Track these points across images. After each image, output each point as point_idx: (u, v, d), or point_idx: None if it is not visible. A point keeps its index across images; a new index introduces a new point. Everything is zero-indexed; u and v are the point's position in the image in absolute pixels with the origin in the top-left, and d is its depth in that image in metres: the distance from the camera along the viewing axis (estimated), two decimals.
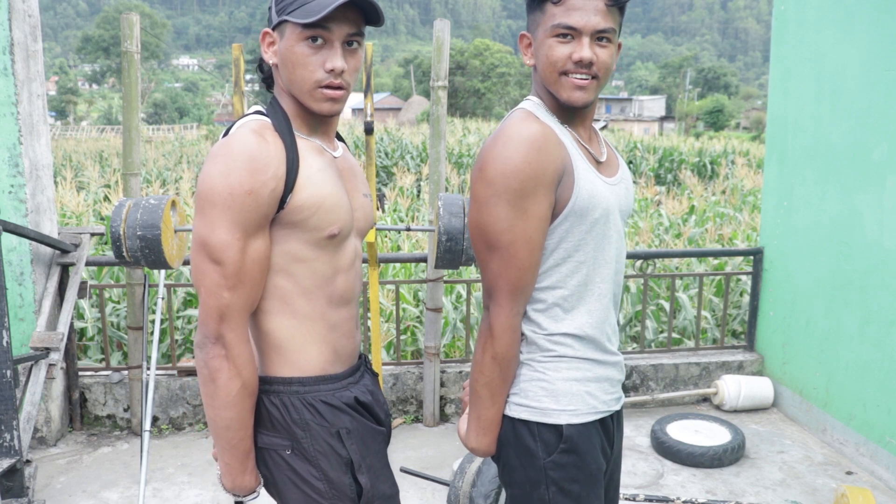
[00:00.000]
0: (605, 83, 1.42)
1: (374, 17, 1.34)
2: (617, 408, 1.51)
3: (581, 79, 1.37)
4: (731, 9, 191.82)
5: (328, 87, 1.32)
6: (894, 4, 3.10)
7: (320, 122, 1.41)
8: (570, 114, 1.44)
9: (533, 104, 1.44)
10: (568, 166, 1.36)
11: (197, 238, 1.28)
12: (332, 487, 1.39)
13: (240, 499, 1.42)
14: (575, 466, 1.39)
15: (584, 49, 1.35)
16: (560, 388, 1.40)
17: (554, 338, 1.41)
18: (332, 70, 1.31)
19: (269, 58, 1.37)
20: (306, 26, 1.28)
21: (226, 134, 1.36)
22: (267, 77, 1.44)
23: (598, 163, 1.46)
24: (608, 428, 1.49)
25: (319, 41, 1.30)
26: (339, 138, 1.55)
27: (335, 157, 1.45)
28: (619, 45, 1.45)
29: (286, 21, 1.31)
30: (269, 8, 1.37)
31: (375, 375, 1.59)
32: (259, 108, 1.40)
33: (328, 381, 1.40)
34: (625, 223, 1.52)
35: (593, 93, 1.39)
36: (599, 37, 1.36)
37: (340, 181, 1.42)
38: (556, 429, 1.39)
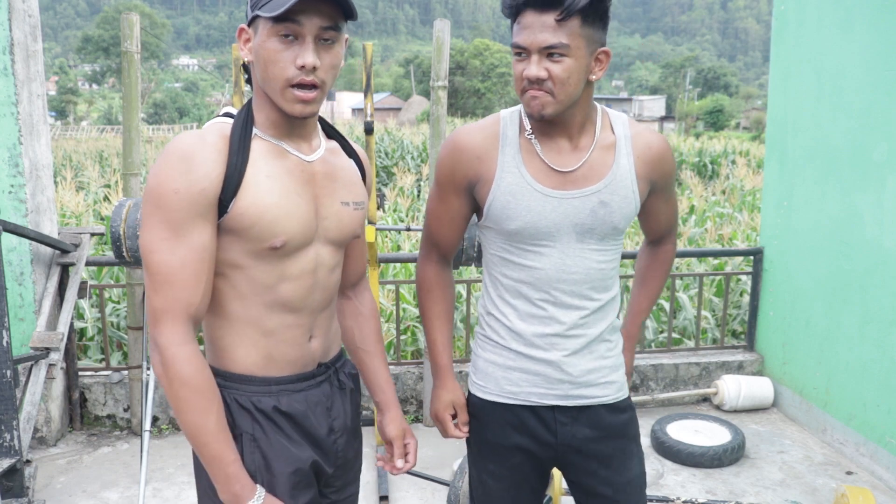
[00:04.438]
0: (573, 94, 1.40)
1: (348, 10, 1.26)
2: (555, 403, 1.55)
3: (534, 95, 1.40)
4: (731, 9, 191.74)
5: (300, 85, 1.25)
6: (894, 4, 3.10)
7: (294, 124, 1.32)
8: (542, 124, 1.47)
9: (512, 111, 1.55)
10: (485, 176, 1.50)
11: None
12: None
13: None
14: (474, 430, 1.65)
15: (531, 67, 1.38)
16: (479, 366, 1.62)
17: (489, 318, 1.59)
18: (303, 66, 1.23)
19: (245, 55, 1.31)
20: (275, 20, 1.22)
21: None
22: (251, 75, 1.38)
23: (561, 174, 1.47)
24: (543, 418, 1.56)
25: (291, 37, 1.24)
26: (338, 137, 1.47)
27: (308, 162, 1.35)
28: (607, 53, 1.42)
29: (259, 17, 1.25)
30: (247, 3, 1.31)
31: (350, 390, 1.50)
32: (229, 110, 1.35)
33: (251, 383, 1.34)
34: (599, 236, 1.50)
35: (552, 107, 1.40)
36: (550, 53, 1.36)
37: (304, 188, 1.33)
38: (471, 394, 1.65)
